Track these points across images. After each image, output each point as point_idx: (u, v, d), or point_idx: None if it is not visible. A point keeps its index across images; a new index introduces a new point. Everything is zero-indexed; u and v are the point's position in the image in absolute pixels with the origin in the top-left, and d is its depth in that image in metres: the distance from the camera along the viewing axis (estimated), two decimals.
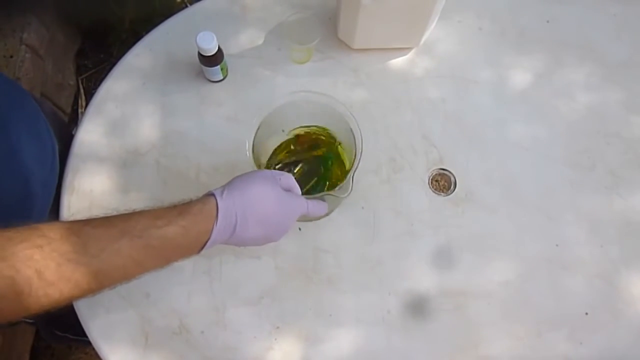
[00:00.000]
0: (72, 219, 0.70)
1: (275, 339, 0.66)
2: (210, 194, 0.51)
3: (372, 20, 0.74)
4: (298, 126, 0.72)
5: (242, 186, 0.51)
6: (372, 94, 0.81)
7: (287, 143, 0.73)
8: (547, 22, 0.88)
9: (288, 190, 0.56)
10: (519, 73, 0.84)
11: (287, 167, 0.71)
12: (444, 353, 0.67)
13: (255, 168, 0.60)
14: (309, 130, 0.72)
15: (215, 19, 0.85)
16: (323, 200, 0.61)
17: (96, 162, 0.75)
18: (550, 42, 0.86)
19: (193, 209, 0.48)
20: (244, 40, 0.83)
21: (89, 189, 0.73)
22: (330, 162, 0.71)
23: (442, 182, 0.76)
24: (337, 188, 0.60)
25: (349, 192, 0.59)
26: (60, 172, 0.74)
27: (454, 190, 0.75)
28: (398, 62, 0.83)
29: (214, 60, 0.73)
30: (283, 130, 0.75)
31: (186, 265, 0.69)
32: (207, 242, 0.49)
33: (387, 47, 0.83)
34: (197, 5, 0.86)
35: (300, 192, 0.57)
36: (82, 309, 0.67)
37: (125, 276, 0.46)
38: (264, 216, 0.52)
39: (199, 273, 0.69)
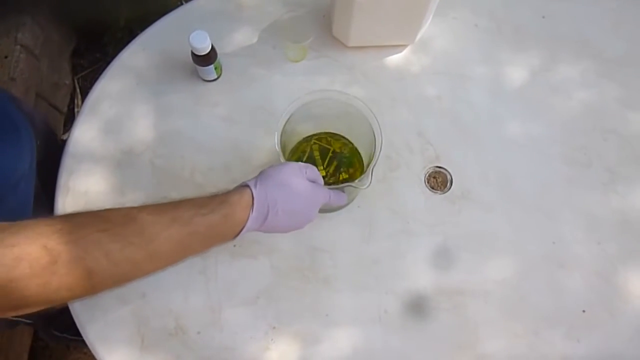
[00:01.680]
0: None
1: (272, 339, 0.66)
2: (245, 185, 0.54)
3: (367, 17, 0.74)
4: (315, 130, 0.73)
5: (273, 178, 0.55)
6: (367, 91, 0.80)
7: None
8: (543, 17, 0.87)
9: (313, 181, 0.59)
10: (515, 69, 0.83)
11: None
12: (442, 352, 0.66)
13: (283, 160, 0.61)
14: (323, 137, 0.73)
15: (209, 17, 0.84)
16: (343, 191, 0.64)
17: (91, 162, 0.74)
18: (546, 38, 0.86)
19: (232, 198, 0.52)
20: (239, 38, 0.83)
21: (83, 190, 0.73)
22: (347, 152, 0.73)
23: (439, 180, 0.75)
24: (357, 180, 0.62)
25: (369, 183, 0.61)
26: (55, 172, 0.73)
27: (450, 188, 0.75)
28: (393, 59, 0.83)
29: (207, 59, 0.72)
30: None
31: (182, 266, 0.69)
32: (242, 229, 0.52)
33: (382, 45, 0.82)
34: (191, 4, 0.86)
35: (323, 183, 0.61)
36: (78, 311, 0.67)
37: (174, 259, 0.50)
38: (292, 206, 0.55)
39: (194, 273, 0.69)
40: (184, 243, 0.48)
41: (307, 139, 0.72)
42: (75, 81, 1.46)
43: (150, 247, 0.46)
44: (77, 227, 0.42)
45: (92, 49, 1.49)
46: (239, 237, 0.53)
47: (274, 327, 0.66)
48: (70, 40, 1.47)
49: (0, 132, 0.66)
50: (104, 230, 0.43)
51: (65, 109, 1.41)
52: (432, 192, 0.74)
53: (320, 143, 0.72)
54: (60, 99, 1.40)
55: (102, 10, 1.37)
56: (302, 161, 0.71)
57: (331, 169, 0.71)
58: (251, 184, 0.54)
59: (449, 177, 0.75)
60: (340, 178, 0.71)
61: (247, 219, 0.52)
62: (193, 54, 0.72)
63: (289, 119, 0.64)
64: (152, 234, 0.46)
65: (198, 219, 0.49)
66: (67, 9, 1.37)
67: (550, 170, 0.77)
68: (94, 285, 0.43)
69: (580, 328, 0.68)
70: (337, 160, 0.71)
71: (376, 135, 0.62)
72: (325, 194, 0.59)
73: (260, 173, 0.56)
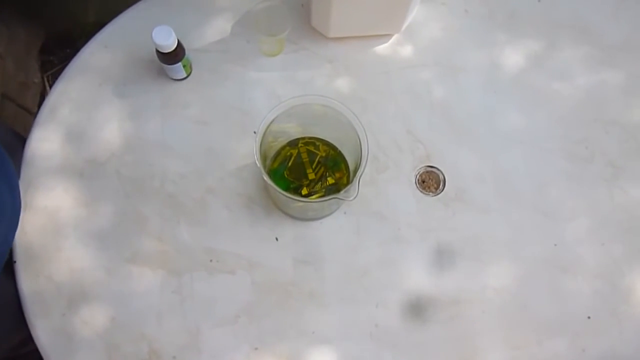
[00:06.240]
0: (25, 238, 0.64)
1: None
2: None
3: (348, 5, 0.68)
4: (297, 135, 0.67)
5: None
6: (351, 86, 0.75)
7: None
8: (539, 1, 0.82)
9: None
10: (509, 58, 0.78)
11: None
12: None
13: (265, 177, 0.55)
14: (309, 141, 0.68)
15: (176, 9, 0.77)
16: (334, 203, 0.60)
17: (50, 174, 0.68)
18: (542, 23, 0.80)
19: None
20: (209, 32, 0.76)
21: (43, 205, 0.66)
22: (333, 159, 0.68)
23: (430, 181, 0.70)
24: (343, 191, 0.57)
25: (355, 195, 0.56)
26: None
27: (443, 189, 0.70)
28: (378, 50, 0.77)
29: (173, 57, 0.66)
30: (255, 132, 0.69)
31: (154, 284, 0.64)
32: None
33: (365, 35, 0.77)
34: None
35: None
36: (42, 338, 0.61)
37: None
38: None
39: (168, 292, 0.64)
40: None
41: (292, 142, 0.67)
42: (45, 79, 1.38)
43: None
44: None
45: (62, 45, 1.41)
46: None
47: (256, 348, 0.62)
48: (38, 36, 1.39)
49: None
50: None
51: (35, 109, 1.34)
52: (424, 194, 0.69)
53: (307, 147, 0.66)
54: (29, 99, 1.33)
55: (70, 3, 1.29)
56: (287, 166, 0.66)
57: (319, 174, 0.65)
58: None
59: (441, 177, 0.70)
60: (327, 183, 0.65)
61: None
62: (158, 52, 0.66)
63: (268, 126, 0.58)
64: None
65: None
66: (32, 4, 1.29)
67: (550, 166, 0.72)
68: None
69: (585, 336, 0.65)
70: (324, 164, 0.66)
71: (362, 145, 0.57)
72: None
73: None
